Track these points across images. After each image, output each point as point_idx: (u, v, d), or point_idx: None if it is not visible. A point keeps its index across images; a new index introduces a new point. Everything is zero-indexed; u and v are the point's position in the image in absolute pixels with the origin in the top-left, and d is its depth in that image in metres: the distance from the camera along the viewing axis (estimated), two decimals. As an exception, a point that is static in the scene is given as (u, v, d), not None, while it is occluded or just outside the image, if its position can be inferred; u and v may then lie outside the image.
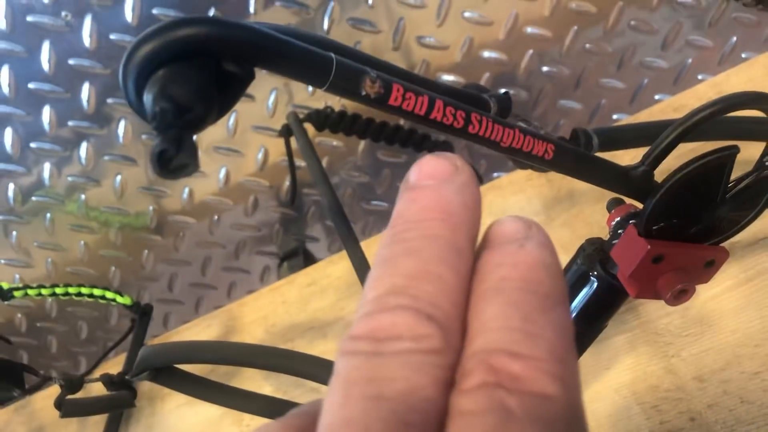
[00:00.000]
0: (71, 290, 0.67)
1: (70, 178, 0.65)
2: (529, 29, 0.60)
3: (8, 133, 0.62)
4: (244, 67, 0.23)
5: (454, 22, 0.59)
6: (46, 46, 0.57)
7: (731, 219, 0.31)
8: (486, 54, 0.61)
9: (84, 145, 0.63)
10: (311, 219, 0.73)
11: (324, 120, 0.59)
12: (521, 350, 0.14)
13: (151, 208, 0.69)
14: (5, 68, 0.58)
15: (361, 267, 0.50)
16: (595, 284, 0.33)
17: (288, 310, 0.62)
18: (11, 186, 0.66)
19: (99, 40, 0.57)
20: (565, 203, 0.55)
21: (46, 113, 0.61)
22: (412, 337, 0.14)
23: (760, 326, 0.41)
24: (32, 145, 0.63)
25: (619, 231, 0.31)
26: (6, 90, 0.59)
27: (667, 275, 0.30)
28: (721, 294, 0.44)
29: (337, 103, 0.62)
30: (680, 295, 0.30)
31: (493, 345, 0.15)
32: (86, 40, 0.57)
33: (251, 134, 0.65)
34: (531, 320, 0.15)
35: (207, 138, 0.65)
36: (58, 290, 0.67)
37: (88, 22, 0.56)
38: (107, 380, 0.49)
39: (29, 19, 0.56)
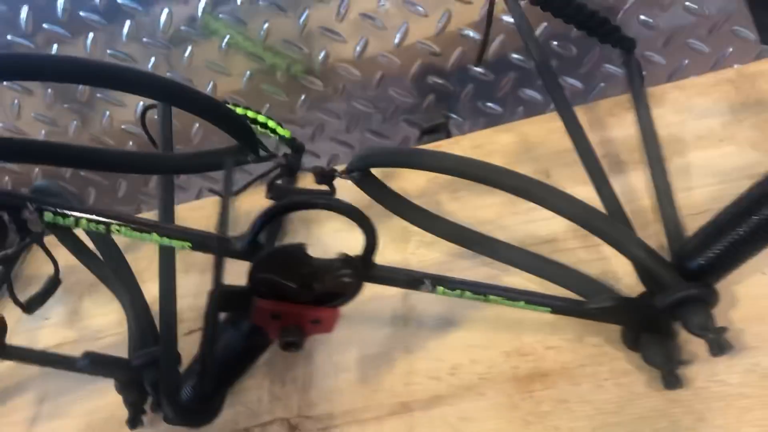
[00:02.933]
0: (239, 110, 0.70)
1: (261, 2, 0.68)
2: None
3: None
4: None
5: None
6: None
7: None
8: None
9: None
10: (465, 98, 0.76)
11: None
12: None
13: (324, 52, 0.71)
14: None
15: (573, 127, 0.53)
16: None
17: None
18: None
19: None
20: (754, 108, 0.57)
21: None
22: None
23: None
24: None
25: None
26: None
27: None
28: None
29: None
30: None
31: None
32: None
33: (441, -3, 0.67)
34: None
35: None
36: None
37: None
38: (319, 172, 0.52)
39: None
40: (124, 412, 0.53)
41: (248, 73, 0.73)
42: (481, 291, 0.41)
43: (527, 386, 0.46)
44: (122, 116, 0.77)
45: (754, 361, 0.42)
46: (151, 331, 0.54)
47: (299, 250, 0.36)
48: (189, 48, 0.72)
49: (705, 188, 0.53)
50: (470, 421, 0.46)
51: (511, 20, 0.69)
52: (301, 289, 0.36)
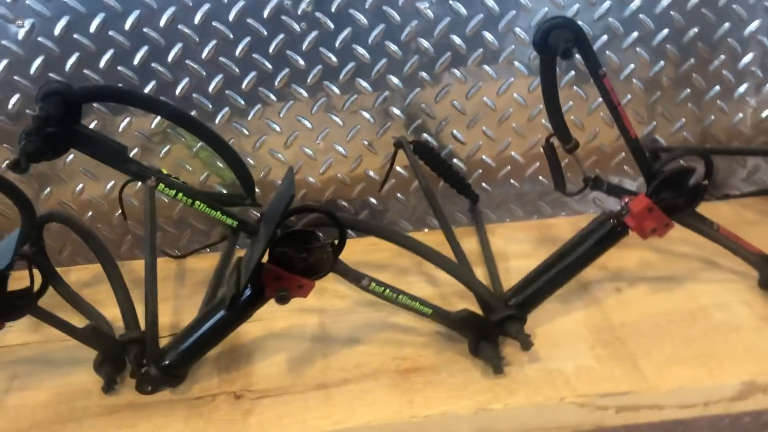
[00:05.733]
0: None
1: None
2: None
3: None
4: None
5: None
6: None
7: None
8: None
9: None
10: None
11: (423, 150, 0.94)
12: None
13: (266, 169, 0.98)
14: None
15: (451, 238, 0.83)
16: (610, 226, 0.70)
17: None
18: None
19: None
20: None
21: None
22: None
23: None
24: None
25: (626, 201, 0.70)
26: None
27: (648, 221, 0.68)
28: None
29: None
30: (651, 233, 0.68)
31: None
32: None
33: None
34: None
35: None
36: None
37: None
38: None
39: None
40: (91, 385, 0.70)
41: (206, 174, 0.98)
42: (396, 292, 0.67)
43: (407, 374, 0.71)
44: (93, 190, 0.97)
45: (544, 362, 0.71)
46: (135, 321, 0.73)
47: (313, 232, 0.61)
48: (168, 147, 0.96)
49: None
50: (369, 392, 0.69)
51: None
52: (300, 261, 0.60)
